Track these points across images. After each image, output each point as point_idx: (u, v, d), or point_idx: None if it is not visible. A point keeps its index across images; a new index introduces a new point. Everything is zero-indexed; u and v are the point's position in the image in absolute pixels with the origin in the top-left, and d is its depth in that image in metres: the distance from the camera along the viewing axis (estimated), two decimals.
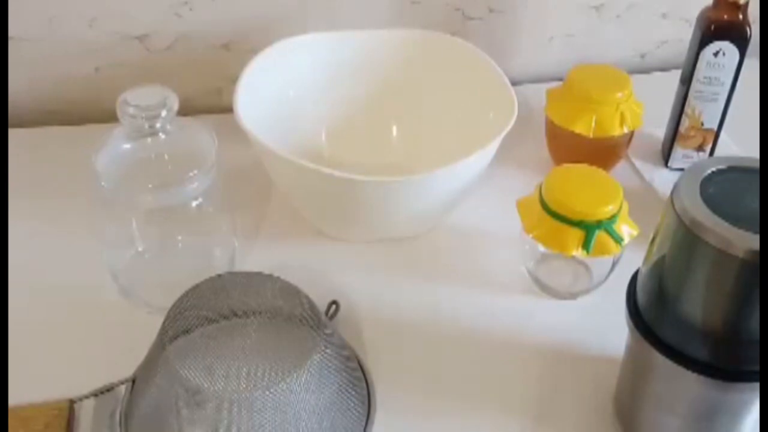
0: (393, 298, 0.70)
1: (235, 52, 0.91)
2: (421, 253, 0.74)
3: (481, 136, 0.70)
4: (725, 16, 0.74)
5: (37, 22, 0.85)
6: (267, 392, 0.51)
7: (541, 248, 0.68)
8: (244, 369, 0.59)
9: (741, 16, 0.74)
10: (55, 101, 0.91)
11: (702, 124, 0.80)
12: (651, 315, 0.52)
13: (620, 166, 0.84)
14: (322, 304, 0.63)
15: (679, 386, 0.53)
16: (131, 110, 0.61)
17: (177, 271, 0.71)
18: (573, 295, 0.70)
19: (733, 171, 0.50)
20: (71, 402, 0.59)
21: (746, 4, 0.74)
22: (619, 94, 0.78)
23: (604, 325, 0.66)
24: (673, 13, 1.01)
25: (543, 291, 0.71)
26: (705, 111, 0.79)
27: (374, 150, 0.82)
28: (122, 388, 0.59)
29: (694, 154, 0.83)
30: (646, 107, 0.80)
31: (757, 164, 0.50)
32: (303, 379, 0.52)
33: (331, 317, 0.66)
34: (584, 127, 0.77)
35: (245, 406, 0.51)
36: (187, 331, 0.60)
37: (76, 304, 0.68)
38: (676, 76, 0.82)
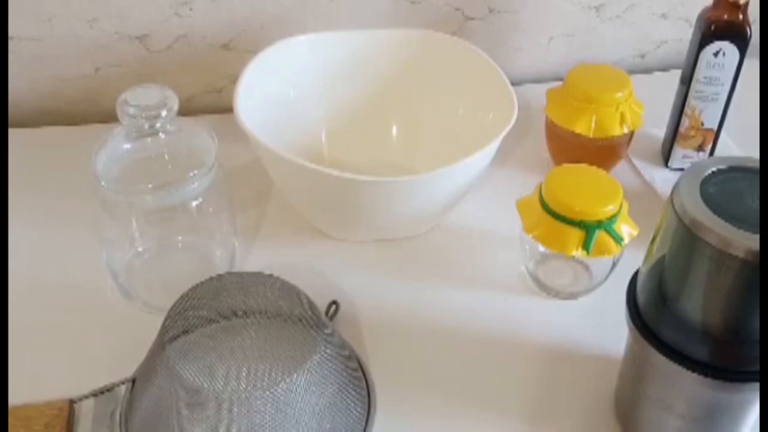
0: (393, 298, 0.70)
1: (235, 52, 0.91)
2: (421, 253, 0.74)
3: (481, 136, 0.70)
4: (725, 16, 0.74)
5: (37, 22, 0.85)
6: (267, 392, 0.51)
7: (541, 248, 0.68)
8: (244, 369, 0.59)
9: (741, 16, 0.74)
10: (55, 101, 0.91)
11: (702, 124, 0.80)
12: (651, 315, 0.53)
13: (620, 166, 0.84)
14: (322, 304, 0.63)
15: (679, 386, 0.53)
16: (131, 110, 0.61)
17: (177, 271, 0.71)
18: (573, 295, 0.70)
19: (733, 171, 0.50)
20: (71, 402, 0.59)
21: (746, 4, 0.74)
22: (619, 94, 0.78)
23: (604, 325, 0.67)
24: (673, 13, 1.01)
25: (543, 291, 0.71)
26: (705, 111, 0.79)
27: (374, 150, 0.82)
28: (122, 388, 0.59)
29: (694, 154, 0.83)
30: (646, 107, 0.80)
31: (757, 164, 0.50)
32: (303, 379, 0.52)
33: (331, 317, 0.66)
34: (584, 127, 0.77)
35: (245, 406, 0.52)
36: (187, 331, 0.60)
37: (76, 305, 0.68)
38: (676, 76, 0.82)
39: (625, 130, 0.78)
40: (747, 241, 0.45)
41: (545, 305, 0.70)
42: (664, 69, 1.02)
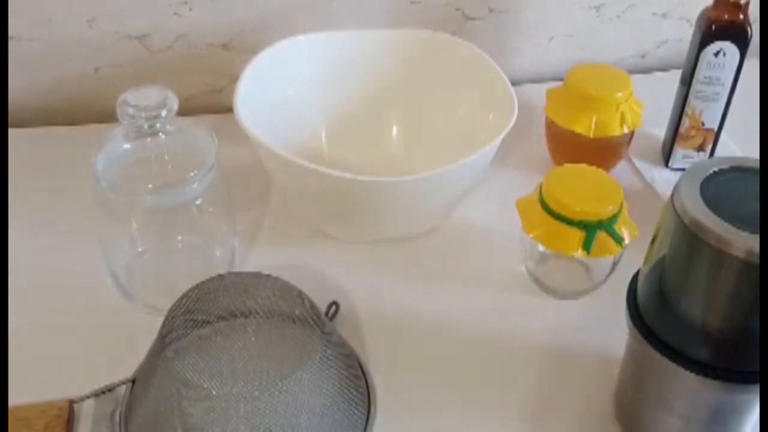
0: (393, 298, 0.70)
1: (235, 52, 0.91)
2: (421, 253, 0.74)
3: (481, 136, 0.70)
4: (726, 16, 0.74)
5: (37, 22, 0.85)
6: (267, 392, 0.51)
7: (541, 248, 0.68)
8: (244, 369, 0.59)
9: (741, 16, 0.74)
10: (55, 101, 0.91)
11: (702, 124, 0.80)
12: (651, 315, 0.52)
13: (620, 166, 0.84)
14: (322, 304, 0.63)
15: (679, 386, 0.53)
16: (131, 110, 0.61)
17: (177, 271, 0.71)
18: (573, 295, 0.70)
19: (734, 171, 0.50)
20: (71, 402, 0.59)
21: (747, 4, 0.74)
22: (619, 94, 0.78)
23: (604, 325, 0.66)
24: (673, 13, 1.01)
25: (543, 291, 0.71)
26: (705, 111, 0.79)
27: (374, 150, 0.82)
28: (122, 388, 0.59)
29: (695, 154, 0.83)
30: (646, 107, 0.80)
31: (757, 164, 0.50)
32: (303, 380, 0.52)
33: (331, 317, 0.66)
34: (584, 127, 0.77)
35: (245, 407, 0.51)
36: (187, 332, 0.60)
37: (76, 305, 0.68)
38: (676, 76, 0.82)
39: (625, 130, 0.78)
40: (747, 241, 0.45)
41: (545, 305, 0.70)
42: (664, 69, 1.02)
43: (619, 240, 0.65)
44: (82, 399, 0.59)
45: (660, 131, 0.86)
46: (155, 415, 0.55)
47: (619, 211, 0.65)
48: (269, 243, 0.75)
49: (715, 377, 0.50)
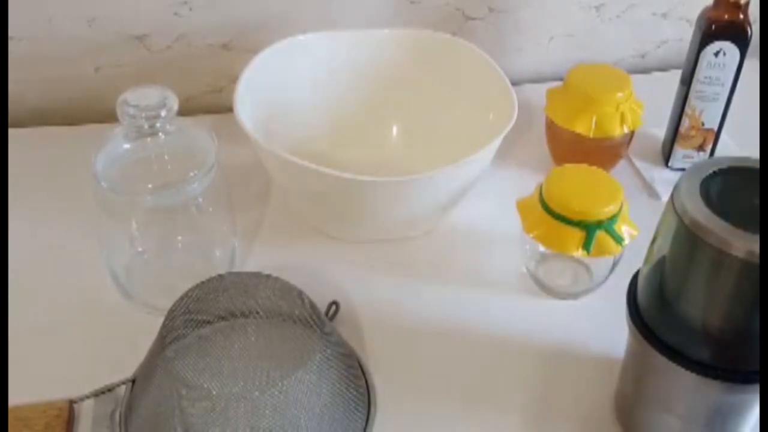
0: (393, 298, 0.70)
1: (235, 52, 0.91)
2: (421, 253, 0.74)
3: (481, 136, 0.70)
4: (726, 16, 0.74)
5: (37, 22, 0.85)
6: (267, 392, 0.52)
7: (541, 248, 0.68)
8: (244, 369, 0.59)
9: (741, 16, 0.74)
10: (55, 101, 0.91)
11: (702, 124, 0.80)
12: (651, 315, 0.52)
13: (620, 166, 0.84)
14: (322, 304, 0.63)
15: (679, 386, 0.53)
16: (131, 110, 0.61)
17: (177, 271, 0.71)
18: (573, 295, 0.70)
19: (734, 171, 0.50)
20: (71, 402, 0.59)
21: (747, 4, 0.74)
22: (619, 94, 0.78)
23: (604, 325, 0.66)
24: (673, 13, 1.01)
25: (543, 291, 0.71)
26: (705, 111, 0.79)
27: (374, 150, 0.82)
28: (122, 388, 0.59)
29: (695, 154, 0.83)
30: (646, 107, 0.80)
31: (757, 164, 0.50)
32: (303, 380, 0.52)
33: (331, 317, 0.66)
34: (584, 127, 0.77)
35: (245, 407, 0.52)
36: (187, 332, 0.60)
37: (77, 305, 0.68)
38: (676, 76, 0.82)
39: (625, 130, 0.78)
40: (747, 242, 0.45)
41: (545, 305, 0.70)
42: (664, 69, 1.02)
43: (619, 240, 0.65)
44: (82, 399, 0.59)
45: (660, 131, 0.86)
46: (155, 415, 0.55)
47: (619, 211, 0.65)
48: (269, 243, 0.75)
49: (715, 377, 0.50)
